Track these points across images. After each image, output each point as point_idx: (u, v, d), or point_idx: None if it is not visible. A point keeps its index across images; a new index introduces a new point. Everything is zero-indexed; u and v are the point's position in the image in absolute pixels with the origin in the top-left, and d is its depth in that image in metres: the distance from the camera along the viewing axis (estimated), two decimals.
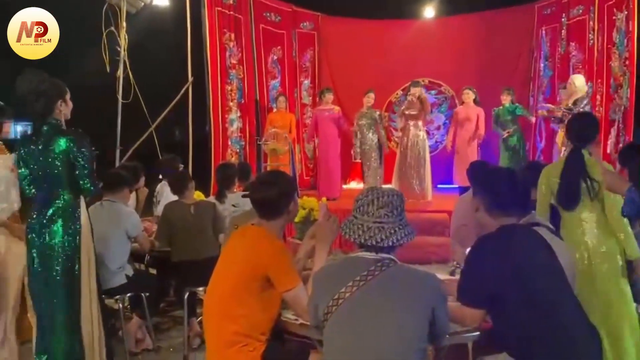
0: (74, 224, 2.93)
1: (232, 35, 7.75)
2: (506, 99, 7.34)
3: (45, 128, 2.92)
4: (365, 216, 1.91)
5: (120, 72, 6.67)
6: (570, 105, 6.12)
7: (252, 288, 2.19)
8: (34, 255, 2.91)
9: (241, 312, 2.18)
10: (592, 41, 7.17)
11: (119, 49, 6.61)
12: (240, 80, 7.91)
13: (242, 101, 7.96)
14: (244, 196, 3.81)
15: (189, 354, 3.78)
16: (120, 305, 3.83)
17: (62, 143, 2.87)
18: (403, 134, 7.33)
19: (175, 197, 4.18)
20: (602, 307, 2.92)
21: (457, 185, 7.51)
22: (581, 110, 5.80)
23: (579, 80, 6.10)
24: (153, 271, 4.51)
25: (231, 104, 7.73)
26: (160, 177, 5.18)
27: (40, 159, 2.90)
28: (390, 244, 1.87)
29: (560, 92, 7.10)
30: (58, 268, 2.87)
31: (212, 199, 4.52)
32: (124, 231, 3.74)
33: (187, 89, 7.19)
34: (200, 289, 4.05)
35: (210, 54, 7.29)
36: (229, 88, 7.68)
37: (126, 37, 6.66)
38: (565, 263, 2.23)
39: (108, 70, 6.58)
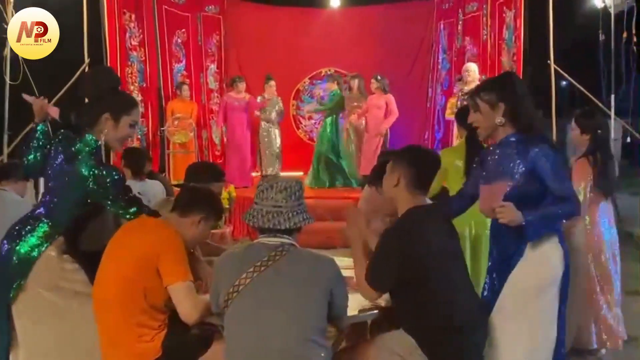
0: None
1: (133, 16, 7.42)
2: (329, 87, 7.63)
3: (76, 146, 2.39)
4: (264, 201, 1.95)
5: (7, 52, 6.17)
6: (462, 95, 6.58)
7: (144, 279, 2.12)
8: None
9: (136, 304, 2.12)
10: (485, 37, 7.63)
11: (5, 26, 6.10)
12: (141, 62, 7.61)
13: (144, 85, 7.67)
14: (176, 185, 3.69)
15: None
16: None
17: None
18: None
19: None
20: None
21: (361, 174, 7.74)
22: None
23: (474, 67, 6.57)
24: None
25: (132, 87, 7.42)
26: None
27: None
28: (287, 226, 1.92)
29: (457, 83, 7.51)
30: None
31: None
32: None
33: (83, 70, 6.80)
34: None
35: (108, 34, 6.94)
36: (129, 71, 7.37)
37: (13, 12, 6.16)
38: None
39: None
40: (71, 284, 2.33)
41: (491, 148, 2.37)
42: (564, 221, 2.43)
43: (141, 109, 7.57)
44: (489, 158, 2.37)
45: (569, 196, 2.21)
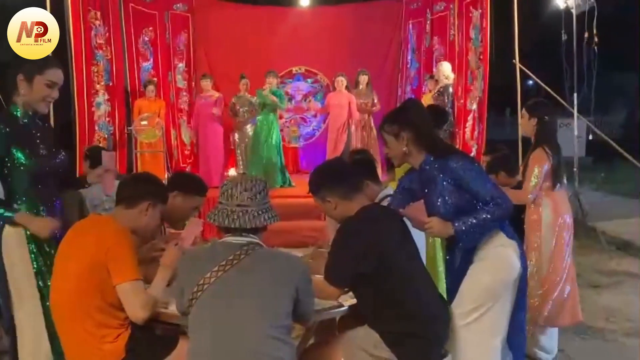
0: None
1: (98, 14, 7.26)
2: (271, 82, 7.26)
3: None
4: (229, 200, 1.93)
5: None
6: (435, 93, 6.71)
7: (97, 278, 2.08)
8: None
9: (93, 304, 2.08)
10: (452, 36, 7.72)
11: None
12: (107, 61, 7.47)
13: (110, 83, 7.53)
14: None
15: None
16: None
17: None
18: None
19: None
20: None
21: None
22: (446, 100, 6.46)
23: (443, 67, 6.72)
24: None
25: (98, 86, 7.28)
26: None
27: None
28: (253, 225, 1.91)
29: (427, 82, 7.62)
30: None
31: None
32: None
33: None
34: None
35: (73, 32, 6.78)
36: (95, 69, 7.22)
37: None
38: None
39: None
40: None
41: (418, 170, 2.44)
42: None
43: (108, 108, 7.46)
44: (418, 178, 2.47)
45: (496, 198, 2.26)
